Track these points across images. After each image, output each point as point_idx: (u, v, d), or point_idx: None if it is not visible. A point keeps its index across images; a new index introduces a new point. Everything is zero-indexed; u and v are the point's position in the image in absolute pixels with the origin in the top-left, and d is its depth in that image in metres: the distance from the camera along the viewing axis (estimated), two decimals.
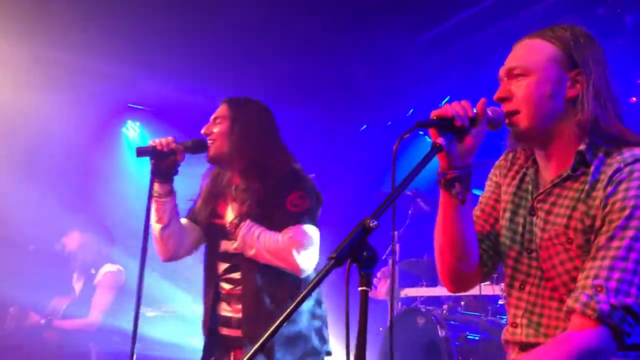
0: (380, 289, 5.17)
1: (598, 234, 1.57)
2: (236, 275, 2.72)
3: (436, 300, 4.95)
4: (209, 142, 2.78)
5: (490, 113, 1.68)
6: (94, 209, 5.83)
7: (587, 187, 1.62)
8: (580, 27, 1.76)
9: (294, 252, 2.56)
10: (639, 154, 1.60)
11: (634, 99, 4.95)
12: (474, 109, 1.66)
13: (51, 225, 5.42)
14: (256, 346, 1.31)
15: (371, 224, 1.34)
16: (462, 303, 4.66)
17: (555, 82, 1.68)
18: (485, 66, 5.55)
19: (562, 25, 1.76)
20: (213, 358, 2.78)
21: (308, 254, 2.61)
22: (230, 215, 2.74)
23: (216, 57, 5.87)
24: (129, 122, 7.02)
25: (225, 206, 2.81)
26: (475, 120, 1.64)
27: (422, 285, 4.98)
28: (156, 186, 2.73)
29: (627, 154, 1.61)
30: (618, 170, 1.58)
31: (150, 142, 2.71)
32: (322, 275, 1.29)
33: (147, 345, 4.98)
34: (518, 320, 1.74)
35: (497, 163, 1.94)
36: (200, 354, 2.81)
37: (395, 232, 4.82)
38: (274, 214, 2.66)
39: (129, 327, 5.01)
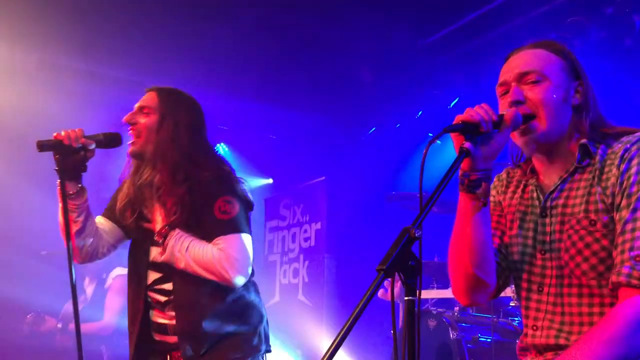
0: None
1: (619, 209, 1.64)
2: (168, 286, 2.55)
3: (447, 302, 4.94)
4: (131, 132, 2.58)
5: (509, 117, 1.72)
6: (100, 213, 5.85)
7: (596, 172, 1.71)
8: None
9: (226, 266, 2.41)
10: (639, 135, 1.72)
11: None
12: (497, 113, 1.70)
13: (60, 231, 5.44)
14: None
15: (416, 234, 1.34)
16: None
17: (566, 90, 1.78)
18: (493, 68, 5.54)
19: (556, 41, 1.88)
20: None
21: (240, 265, 2.44)
22: (159, 220, 2.53)
23: (224, 63, 5.90)
24: None
25: (152, 209, 2.58)
26: (499, 124, 1.68)
27: (433, 287, 4.97)
28: (67, 185, 2.53)
29: (629, 137, 1.72)
30: (627, 149, 1.68)
31: (54, 135, 2.46)
32: (372, 288, 1.29)
33: None
34: (539, 323, 1.76)
35: (492, 185, 2.00)
36: None
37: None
38: (203, 221, 2.48)
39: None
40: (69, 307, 5.05)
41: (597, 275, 1.66)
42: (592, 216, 1.68)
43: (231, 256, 2.42)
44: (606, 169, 1.70)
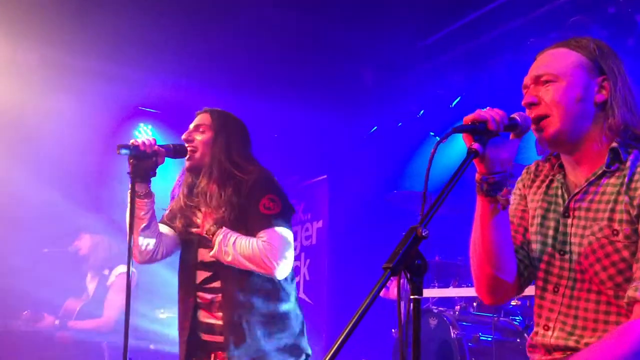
0: (393, 290, 5.17)
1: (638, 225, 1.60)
2: (216, 285, 2.77)
3: (448, 301, 4.95)
4: (189, 149, 2.85)
5: (518, 118, 1.71)
6: (106, 210, 5.87)
7: (625, 179, 1.66)
8: (600, 39, 1.82)
9: (269, 255, 2.63)
10: None
11: None
12: (509, 117, 1.69)
13: (64, 228, 5.47)
14: None
15: (423, 233, 1.35)
16: (475, 304, 4.65)
17: (583, 87, 1.74)
18: (495, 67, 5.55)
19: (584, 37, 1.82)
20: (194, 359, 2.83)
21: (283, 257, 2.67)
22: (206, 223, 2.78)
23: (226, 60, 5.90)
24: (141, 125, 7.06)
25: (201, 215, 2.85)
26: (511, 126, 1.67)
27: (434, 286, 4.98)
28: (136, 187, 2.74)
29: None
30: None
31: (132, 141, 2.74)
32: (379, 286, 1.30)
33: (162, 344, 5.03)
34: (551, 324, 1.74)
35: (519, 178, 1.98)
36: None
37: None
38: (248, 218, 2.73)
39: (142, 326, 5.06)
40: (69, 303, 5.07)
41: (615, 286, 1.64)
42: (616, 226, 1.64)
43: (273, 247, 2.64)
44: (636, 177, 1.66)
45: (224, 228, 2.70)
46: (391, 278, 1.32)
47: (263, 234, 2.67)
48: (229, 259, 2.66)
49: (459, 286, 4.79)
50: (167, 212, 3.01)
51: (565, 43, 1.81)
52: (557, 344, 1.72)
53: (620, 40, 4.72)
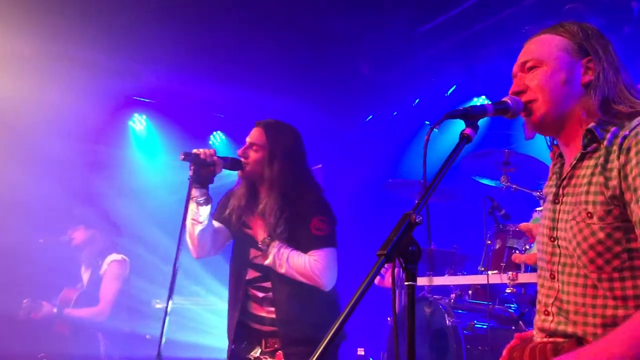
0: (388, 278, 5.18)
1: (629, 205, 1.59)
2: (266, 284, 3.07)
3: (443, 289, 4.95)
4: (245, 162, 3.07)
5: (509, 101, 1.75)
6: (101, 201, 5.86)
7: (601, 160, 1.66)
8: (587, 22, 1.84)
9: (320, 274, 2.97)
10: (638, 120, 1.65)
11: None
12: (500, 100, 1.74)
13: (59, 218, 5.46)
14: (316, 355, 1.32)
15: (417, 220, 1.35)
16: (470, 292, 4.66)
17: (567, 70, 1.76)
18: (490, 55, 5.53)
19: (570, 21, 1.83)
20: (244, 344, 3.11)
21: (331, 274, 3.01)
22: (260, 231, 3.06)
23: (220, 50, 5.88)
24: (136, 115, 7.04)
25: (255, 220, 3.10)
26: (504, 110, 1.74)
27: (429, 275, 4.99)
28: (194, 191, 2.99)
29: (636, 121, 1.65)
30: (625, 137, 1.62)
31: (194, 150, 2.97)
32: (373, 272, 1.30)
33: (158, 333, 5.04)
34: (549, 309, 1.76)
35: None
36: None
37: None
38: (300, 235, 3.01)
39: (139, 315, 5.05)
40: (65, 292, 5.07)
41: (597, 269, 1.64)
42: (590, 208, 1.65)
43: (323, 266, 2.98)
44: (611, 157, 1.65)
45: (277, 242, 2.99)
46: (386, 265, 1.32)
47: (314, 254, 2.98)
48: (282, 270, 2.97)
49: (454, 274, 4.80)
50: (221, 210, 3.23)
51: (551, 29, 1.84)
52: (556, 329, 1.73)
53: (616, 28, 4.72)
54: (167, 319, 2.68)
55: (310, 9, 5.27)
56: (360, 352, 6.09)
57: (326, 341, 1.28)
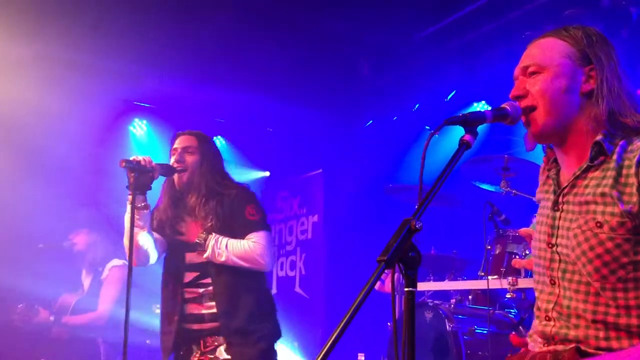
0: (388, 284, 5.18)
1: None
2: (206, 280, 3.21)
3: (444, 294, 4.95)
4: (179, 168, 3.26)
5: (508, 108, 1.73)
6: (102, 206, 5.86)
7: (612, 172, 1.65)
8: (592, 27, 1.80)
9: (261, 254, 3.16)
10: None
11: None
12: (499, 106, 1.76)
13: (59, 223, 5.45)
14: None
15: (417, 226, 1.35)
16: (470, 297, 4.66)
17: (570, 77, 1.73)
18: (490, 60, 5.54)
19: (574, 25, 1.80)
20: (183, 350, 3.24)
21: (270, 254, 3.21)
22: (194, 231, 3.22)
23: (222, 54, 5.89)
24: (136, 120, 7.04)
25: (186, 225, 3.28)
26: (503, 116, 1.76)
27: (429, 280, 4.98)
28: (136, 198, 3.08)
29: None
30: None
31: (133, 157, 3.09)
32: (374, 278, 1.30)
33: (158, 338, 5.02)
34: (550, 314, 1.76)
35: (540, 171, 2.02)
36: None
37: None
38: (235, 224, 3.20)
39: (138, 320, 5.05)
40: (64, 298, 5.06)
41: (601, 278, 1.64)
42: (599, 218, 1.64)
43: (263, 247, 3.17)
44: (624, 172, 1.65)
45: (213, 234, 3.14)
46: (386, 271, 1.33)
47: (252, 236, 3.18)
48: (222, 259, 3.12)
49: (455, 279, 4.80)
50: (154, 220, 3.37)
51: (554, 32, 1.81)
52: (557, 332, 1.73)
53: (614, 32, 4.73)
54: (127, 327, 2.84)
55: (311, 12, 5.28)
56: (361, 357, 6.08)
57: (328, 346, 1.28)
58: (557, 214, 1.78)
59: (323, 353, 1.25)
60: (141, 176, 3.08)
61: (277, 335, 3.34)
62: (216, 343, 3.15)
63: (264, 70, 6.17)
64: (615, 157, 1.67)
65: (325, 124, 7.35)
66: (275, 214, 7.90)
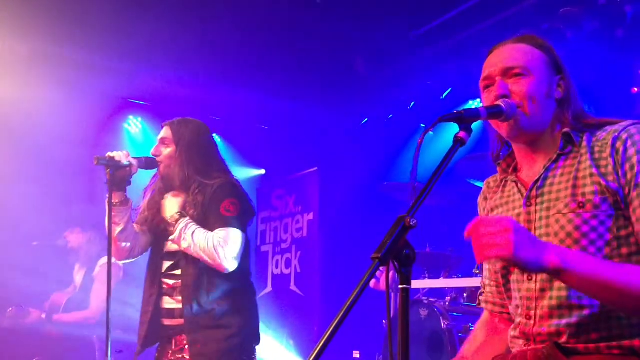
0: (383, 281, 5.19)
1: (628, 200, 1.67)
2: (177, 272, 3.08)
3: (439, 292, 4.96)
4: (159, 161, 3.16)
5: (502, 105, 1.77)
6: (96, 204, 5.85)
7: (585, 157, 1.75)
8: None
9: (220, 251, 2.95)
10: (625, 124, 1.76)
11: (635, 89, 4.95)
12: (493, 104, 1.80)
13: (53, 221, 5.44)
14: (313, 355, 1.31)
15: (411, 223, 1.35)
16: (465, 294, 4.67)
17: (548, 84, 1.83)
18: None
19: (534, 35, 1.92)
20: (158, 346, 3.15)
21: (231, 253, 2.99)
22: (171, 211, 3.09)
23: (217, 52, 5.87)
24: (131, 117, 7.03)
25: (170, 204, 3.14)
26: (497, 114, 1.78)
27: (424, 277, 4.99)
28: (112, 195, 3.04)
29: (615, 126, 1.76)
30: (616, 138, 1.72)
31: (108, 154, 3.01)
32: (367, 276, 1.30)
33: None
34: (532, 312, 1.77)
35: (481, 192, 2.10)
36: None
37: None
38: (209, 217, 3.04)
39: (132, 318, 5.04)
40: (55, 297, 5.05)
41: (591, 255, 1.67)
42: (580, 198, 1.71)
43: (226, 245, 2.96)
44: (596, 155, 1.74)
45: (187, 218, 3.02)
46: (380, 269, 1.32)
47: (219, 232, 2.99)
48: (186, 245, 2.98)
49: (450, 277, 4.80)
50: (140, 213, 3.30)
51: (525, 39, 1.89)
52: (539, 332, 1.75)
53: (609, 31, 4.74)
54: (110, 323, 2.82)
55: (306, 10, 5.27)
56: (356, 354, 6.09)
57: (322, 343, 1.28)
58: (532, 208, 1.81)
59: (317, 350, 1.24)
60: (117, 172, 3.02)
61: (252, 333, 3.17)
62: (185, 343, 3.04)
63: (259, 68, 6.16)
64: (584, 144, 1.78)
65: (321, 121, 7.35)
66: (270, 211, 7.90)
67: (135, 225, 3.26)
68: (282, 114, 7.25)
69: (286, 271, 7.47)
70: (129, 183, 3.12)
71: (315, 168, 7.32)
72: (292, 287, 7.30)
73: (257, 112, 7.28)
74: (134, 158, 3.08)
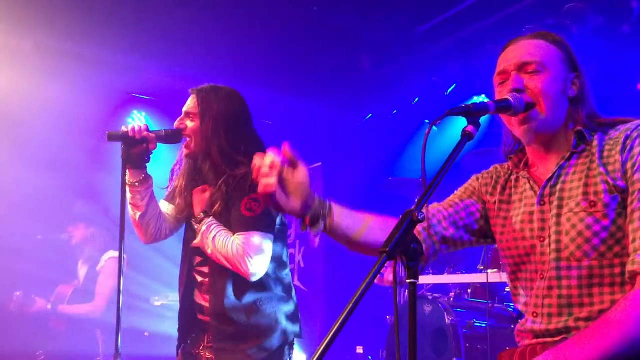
0: (388, 277, 5.19)
1: (628, 197, 1.66)
2: (205, 269, 2.76)
3: (443, 288, 4.96)
4: (185, 135, 2.76)
5: (511, 99, 1.75)
6: (100, 199, 5.86)
7: (597, 156, 1.74)
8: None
9: (244, 260, 2.55)
10: (638, 122, 1.75)
11: None
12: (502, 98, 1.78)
13: (58, 216, 5.46)
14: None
15: (419, 217, 1.35)
16: (469, 290, 4.67)
17: (564, 81, 1.81)
18: (491, 54, 5.52)
19: (552, 33, 1.90)
20: (192, 336, 2.81)
21: (257, 261, 2.58)
22: (198, 207, 2.75)
23: (221, 46, 5.87)
24: (135, 112, 7.03)
25: (196, 197, 2.79)
26: (506, 108, 1.75)
27: (429, 273, 4.99)
28: (129, 174, 2.72)
29: (628, 125, 1.76)
30: (628, 136, 1.71)
31: (122, 128, 2.69)
32: (375, 270, 1.30)
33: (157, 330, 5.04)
34: (539, 310, 1.77)
35: (477, 175, 2.09)
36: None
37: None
38: (232, 214, 2.65)
39: (137, 313, 5.04)
40: (61, 289, 5.07)
41: (599, 255, 1.67)
42: (592, 197, 1.70)
43: (247, 252, 2.56)
44: (605, 154, 1.73)
45: (210, 218, 2.66)
46: (386, 265, 1.32)
47: (240, 237, 2.59)
48: (209, 251, 2.64)
49: (454, 273, 4.80)
50: (169, 191, 2.97)
51: (542, 35, 1.87)
52: (547, 329, 1.75)
53: (616, 27, 4.72)
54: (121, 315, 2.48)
55: (312, 6, 5.26)
56: (359, 350, 6.10)
57: (328, 339, 1.27)
58: (545, 207, 1.80)
59: (323, 346, 1.24)
60: (132, 149, 2.68)
61: (280, 349, 2.76)
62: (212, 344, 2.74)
63: (264, 64, 6.16)
64: (595, 143, 1.77)
65: (325, 117, 7.34)
66: None
67: (165, 203, 2.94)
68: (287, 110, 7.24)
69: (290, 266, 7.48)
70: (148, 160, 2.75)
71: (320, 163, 7.32)
72: (296, 282, 7.30)
73: (262, 108, 7.27)
74: (153, 132, 2.71)
